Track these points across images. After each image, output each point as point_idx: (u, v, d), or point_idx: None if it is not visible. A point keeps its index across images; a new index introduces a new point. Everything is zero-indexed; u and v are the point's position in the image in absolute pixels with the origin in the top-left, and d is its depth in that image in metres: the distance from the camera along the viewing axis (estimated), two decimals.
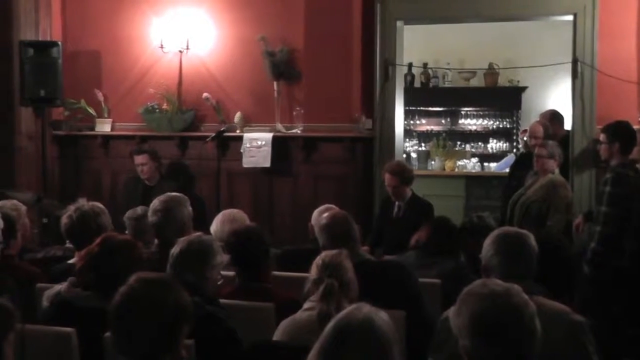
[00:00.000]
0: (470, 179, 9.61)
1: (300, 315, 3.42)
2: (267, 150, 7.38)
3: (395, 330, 2.29)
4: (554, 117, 7.12)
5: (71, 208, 4.53)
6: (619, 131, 5.53)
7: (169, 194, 4.97)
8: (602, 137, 5.61)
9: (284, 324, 3.45)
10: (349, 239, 4.20)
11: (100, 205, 4.65)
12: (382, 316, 2.28)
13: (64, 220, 4.50)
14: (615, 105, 6.65)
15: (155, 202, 4.81)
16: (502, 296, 2.32)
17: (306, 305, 3.43)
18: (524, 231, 3.26)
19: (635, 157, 5.60)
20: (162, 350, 2.49)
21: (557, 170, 6.34)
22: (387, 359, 2.24)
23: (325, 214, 4.53)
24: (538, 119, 7.21)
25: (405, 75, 9.78)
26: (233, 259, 4.10)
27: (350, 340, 2.21)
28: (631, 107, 6.66)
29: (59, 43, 7.58)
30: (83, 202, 4.58)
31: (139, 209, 5.27)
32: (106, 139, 8.08)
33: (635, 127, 5.71)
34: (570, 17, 6.97)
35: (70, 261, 4.43)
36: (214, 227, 4.98)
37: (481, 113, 11.39)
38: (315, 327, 2.93)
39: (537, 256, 3.16)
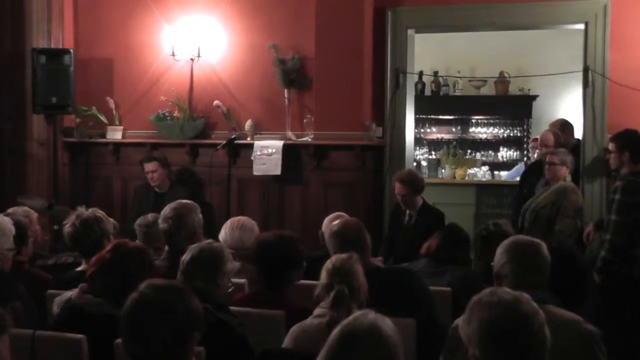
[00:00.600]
0: (481, 188, 9.59)
1: (310, 322, 3.41)
2: (278, 157, 7.38)
3: (400, 337, 2.29)
4: (564, 126, 7.10)
5: (72, 216, 4.54)
6: (629, 140, 5.52)
7: (179, 201, 4.99)
8: (611, 146, 5.60)
9: (294, 330, 3.45)
10: (360, 245, 4.17)
11: (101, 211, 4.66)
12: (387, 322, 2.29)
13: (67, 228, 4.49)
14: (627, 114, 6.62)
15: (167, 209, 4.82)
16: (511, 304, 2.31)
17: (316, 312, 3.43)
18: (537, 240, 3.24)
19: None
20: (173, 357, 2.49)
21: (569, 177, 6.33)
22: None
23: (337, 221, 4.52)
24: (549, 128, 7.20)
25: (416, 84, 9.78)
26: (257, 263, 4.10)
27: (356, 346, 2.22)
28: None
29: (71, 50, 7.63)
30: (82, 210, 4.59)
31: (150, 216, 5.29)
32: (117, 146, 8.10)
33: None
34: (581, 26, 6.96)
35: (79, 268, 4.44)
36: (222, 234, 4.96)
37: (492, 121, 11.36)
38: (325, 334, 2.93)
39: (549, 265, 3.15)
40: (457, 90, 11.17)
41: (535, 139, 8.40)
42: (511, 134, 11.28)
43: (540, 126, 9.94)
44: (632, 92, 6.63)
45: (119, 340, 2.93)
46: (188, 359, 2.54)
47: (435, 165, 10.72)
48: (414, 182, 6.16)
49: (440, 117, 11.41)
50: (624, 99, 6.69)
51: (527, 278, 3.05)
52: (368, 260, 4.20)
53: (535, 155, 8.72)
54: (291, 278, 4.08)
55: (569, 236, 6.03)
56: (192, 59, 7.80)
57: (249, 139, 7.59)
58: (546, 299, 2.93)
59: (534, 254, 3.13)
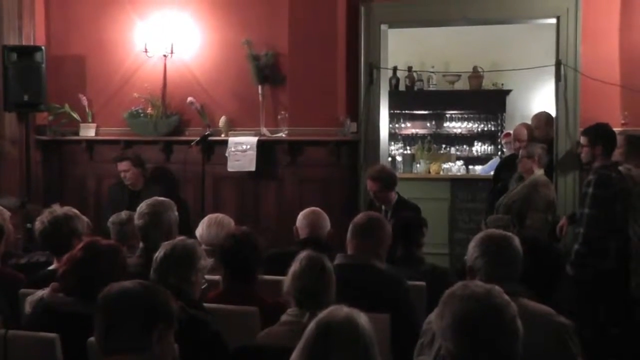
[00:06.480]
0: (456, 182, 9.59)
1: (277, 328, 3.41)
2: (252, 154, 7.36)
3: (373, 329, 2.30)
4: (549, 120, 7.11)
5: (44, 214, 4.52)
6: (602, 134, 5.55)
7: (156, 198, 4.94)
8: (583, 140, 5.63)
9: (261, 336, 3.46)
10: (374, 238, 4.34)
11: (74, 210, 4.63)
12: (362, 315, 2.30)
13: (37, 225, 4.50)
14: (599, 108, 6.68)
15: (143, 206, 4.76)
16: (483, 297, 2.33)
17: (283, 318, 3.42)
18: (509, 233, 3.27)
19: (617, 159, 5.62)
20: (139, 346, 2.48)
21: (540, 171, 6.37)
22: (369, 357, 2.25)
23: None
24: (532, 121, 7.23)
25: (390, 79, 9.80)
26: (223, 261, 4.09)
27: (333, 338, 2.23)
28: (614, 110, 6.71)
29: (43, 48, 7.55)
30: (56, 207, 4.57)
31: (123, 214, 5.25)
32: (90, 143, 8.05)
33: (617, 129, 5.75)
34: (553, 20, 7.01)
35: (51, 267, 4.41)
36: (199, 231, 4.95)
37: (466, 116, 11.40)
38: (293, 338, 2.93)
39: (521, 258, 3.17)
40: (431, 85, 11.18)
41: (507, 134, 8.45)
42: (485, 129, 11.34)
43: (514, 120, 10.00)
44: (604, 85, 6.68)
45: (92, 339, 2.91)
46: (154, 349, 2.52)
47: (410, 160, 10.72)
48: (384, 179, 6.11)
49: (415, 112, 11.45)
50: (596, 92, 6.75)
51: (499, 271, 3.05)
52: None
53: (507, 150, 8.78)
54: (258, 273, 4.11)
55: (539, 230, 6.06)
56: (165, 56, 7.76)
57: (223, 135, 7.56)
58: (519, 292, 2.95)
59: (505, 248, 3.14)
